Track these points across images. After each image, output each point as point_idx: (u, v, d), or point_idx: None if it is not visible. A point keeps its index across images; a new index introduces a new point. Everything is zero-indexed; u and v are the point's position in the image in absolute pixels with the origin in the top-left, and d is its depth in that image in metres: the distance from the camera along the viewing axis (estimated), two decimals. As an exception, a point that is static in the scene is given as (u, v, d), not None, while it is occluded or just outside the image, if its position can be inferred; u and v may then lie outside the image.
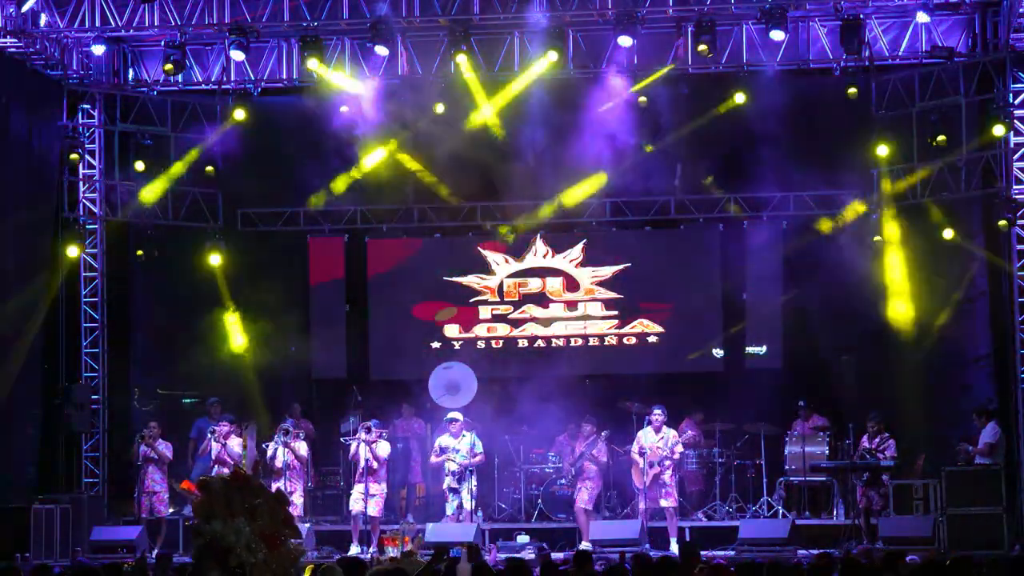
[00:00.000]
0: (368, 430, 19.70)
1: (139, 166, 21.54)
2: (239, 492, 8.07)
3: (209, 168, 21.98)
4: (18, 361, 20.29)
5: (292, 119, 21.73)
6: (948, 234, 20.75)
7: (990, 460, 19.34)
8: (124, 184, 21.88)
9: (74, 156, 21.00)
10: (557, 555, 18.58)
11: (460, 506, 19.51)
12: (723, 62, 20.68)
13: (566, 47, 20.50)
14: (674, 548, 18.92)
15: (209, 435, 20.32)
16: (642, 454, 19.72)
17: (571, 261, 23.11)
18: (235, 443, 20.26)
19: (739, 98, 20.89)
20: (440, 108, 21.43)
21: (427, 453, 21.80)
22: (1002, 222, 19.83)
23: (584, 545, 19.32)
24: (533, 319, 23.12)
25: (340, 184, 22.43)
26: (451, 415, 20.03)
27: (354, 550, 19.30)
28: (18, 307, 20.36)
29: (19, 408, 20.33)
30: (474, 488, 19.61)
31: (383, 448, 19.77)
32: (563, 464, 20.61)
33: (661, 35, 20.65)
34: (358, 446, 19.68)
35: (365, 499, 19.53)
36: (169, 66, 20.24)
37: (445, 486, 19.73)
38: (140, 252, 22.00)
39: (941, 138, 20.34)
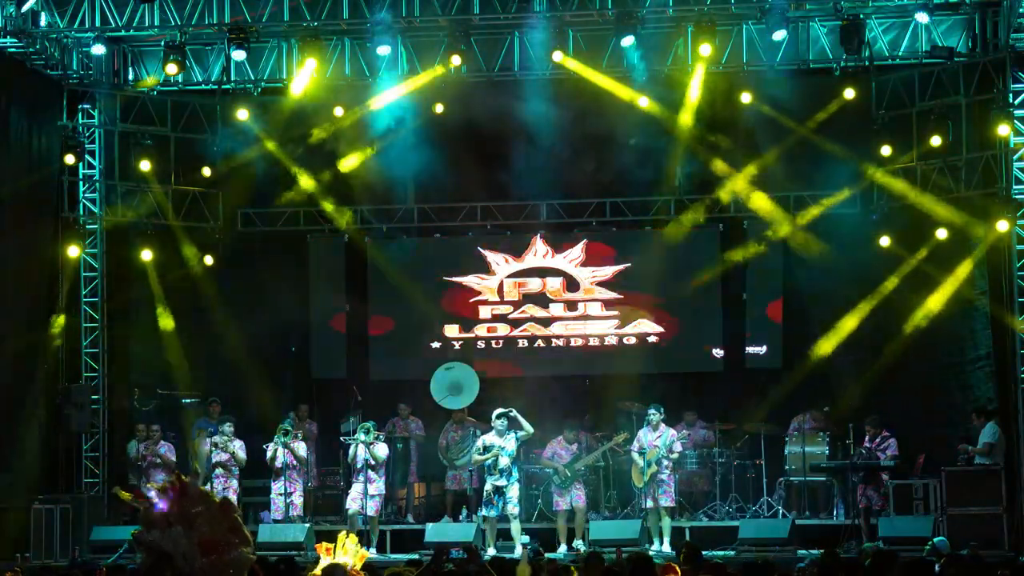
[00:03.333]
0: (367, 431, 19.71)
1: (142, 166, 21.55)
2: (178, 500, 8.03)
3: (207, 168, 22.01)
4: (18, 361, 20.30)
5: (292, 119, 21.71)
6: (942, 234, 20.74)
7: (990, 460, 19.36)
8: (124, 184, 21.89)
9: (70, 158, 20.95)
10: (557, 555, 18.61)
11: (505, 505, 19.28)
12: (723, 62, 20.68)
13: (566, 47, 20.49)
14: (667, 548, 18.94)
15: (208, 440, 20.34)
16: (641, 453, 19.73)
17: (571, 261, 23.10)
18: (237, 446, 20.25)
19: (744, 98, 20.87)
20: (439, 108, 21.50)
21: (423, 453, 21.82)
22: (1002, 222, 19.83)
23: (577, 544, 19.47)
24: (533, 319, 23.11)
25: (340, 183, 22.50)
26: (498, 418, 19.61)
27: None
28: (18, 307, 20.36)
29: (19, 408, 20.33)
30: (519, 488, 19.47)
31: (381, 449, 19.79)
32: (558, 465, 20.47)
33: (661, 35, 20.66)
34: (356, 447, 19.70)
35: (363, 499, 19.53)
36: (171, 66, 20.18)
37: (489, 485, 19.53)
38: (147, 253, 21.88)
39: (941, 138, 20.33)
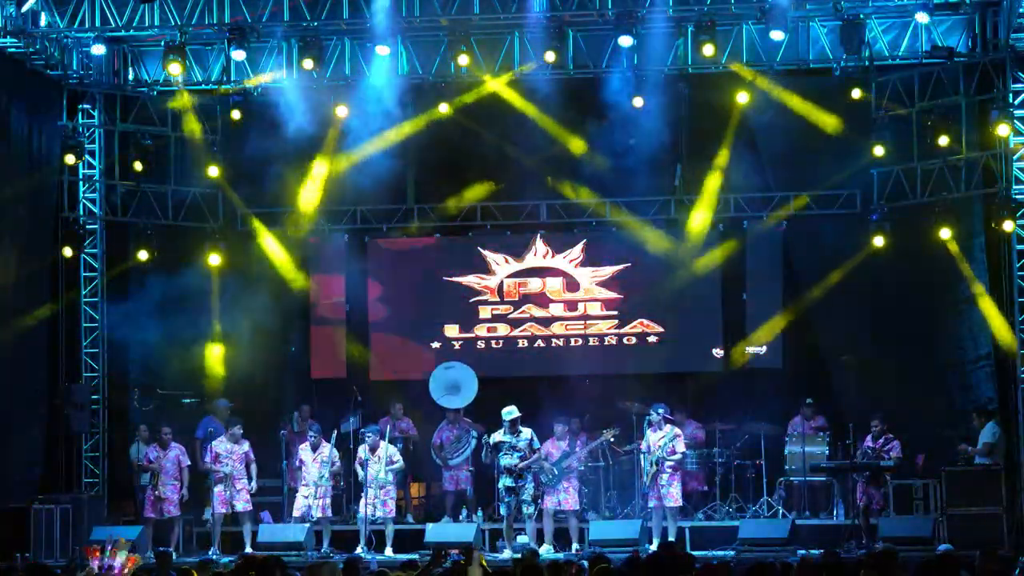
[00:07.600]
0: (373, 450, 19.62)
1: (139, 166, 21.55)
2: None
3: (207, 168, 22.01)
4: (18, 361, 20.29)
5: (292, 119, 21.71)
6: (946, 234, 20.73)
7: (990, 460, 19.37)
8: (124, 184, 21.90)
9: (70, 158, 20.93)
10: (557, 555, 18.59)
11: (517, 507, 19.18)
12: (723, 62, 20.68)
13: (566, 47, 20.50)
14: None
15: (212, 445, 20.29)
16: (645, 453, 19.69)
17: (571, 261, 23.10)
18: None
19: (742, 98, 20.88)
20: (443, 107, 21.55)
21: (415, 453, 21.78)
22: (1003, 222, 19.83)
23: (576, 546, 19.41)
24: (533, 319, 23.10)
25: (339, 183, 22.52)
26: (509, 414, 19.36)
27: (358, 551, 19.24)
28: (18, 307, 20.35)
29: (19, 408, 20.33)
30: (531, 488, 19.30)
31: (399, 461, 19.82)
32: (544, 464, 20.38)
33: (661, 35, 20.65)
34: (366, 470, 19.62)
35: (375, 504, 19.52)
36: (174, 65, 20.13)
37: (500, 485, 19.41)
38: (147, 253, 21.86)
39: (941, 138, 20.33)
